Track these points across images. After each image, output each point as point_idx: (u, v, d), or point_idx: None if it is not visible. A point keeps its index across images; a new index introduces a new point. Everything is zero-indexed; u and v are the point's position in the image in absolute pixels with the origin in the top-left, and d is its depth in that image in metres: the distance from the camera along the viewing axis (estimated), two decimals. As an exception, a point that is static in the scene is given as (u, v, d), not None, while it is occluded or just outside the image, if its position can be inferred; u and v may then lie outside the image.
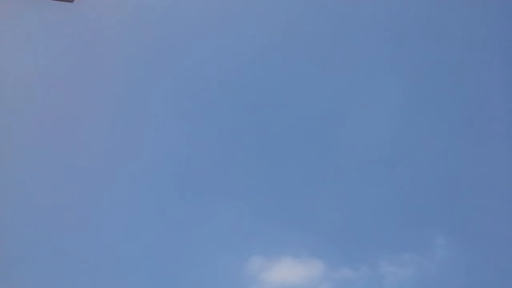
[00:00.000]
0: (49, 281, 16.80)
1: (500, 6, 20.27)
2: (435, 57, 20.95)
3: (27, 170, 17.87)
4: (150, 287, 17.84)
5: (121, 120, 19.77)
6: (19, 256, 16.47)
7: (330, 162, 19.68)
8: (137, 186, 19.46)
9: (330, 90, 20.63)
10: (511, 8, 20.10)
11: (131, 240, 18.65)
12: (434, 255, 18.58)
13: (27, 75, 18.80)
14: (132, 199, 19.26)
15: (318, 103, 20.27)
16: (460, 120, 20.40)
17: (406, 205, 19.14)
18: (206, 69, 20.24)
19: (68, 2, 13.31)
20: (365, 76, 20.72)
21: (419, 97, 20.74)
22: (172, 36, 20.22)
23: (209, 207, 18.95)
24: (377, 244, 18.58)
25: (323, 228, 18.73)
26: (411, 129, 20.07)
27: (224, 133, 20.03)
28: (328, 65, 20.87)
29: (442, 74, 20.80)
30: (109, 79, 20.06)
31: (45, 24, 18.76)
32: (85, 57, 19.39)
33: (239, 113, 20.28)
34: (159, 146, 20.00)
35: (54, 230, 17.72)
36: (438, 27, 20.94)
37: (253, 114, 20.28)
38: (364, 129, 20.03)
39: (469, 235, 18.82)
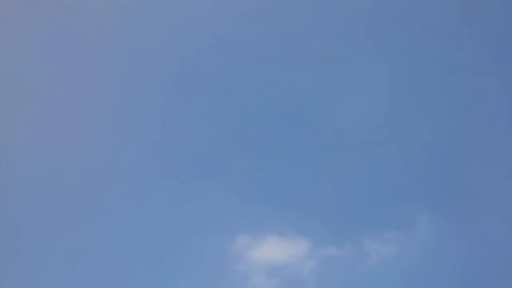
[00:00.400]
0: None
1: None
2: (424, 38, 21.14)
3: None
4: (137, 267, 18.09)
5: (105, 103, 19.92)
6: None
7: (315, 142, 19.92)
8: (124, 169, 19.61)
9: (317, 70, 20.81)
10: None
11: (118, 220, 18.85)
12: (417, 233, 18.78)
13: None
14: (119, 181, 19.42)
15: (305, 83, 20.47)
16: (447, 101, 20.57)
17: (390, 184, 19.39)
18: (190, 50, 20.40)
19: None
20: (353, 57, 20.89)
21: (406, 78, 20.90)
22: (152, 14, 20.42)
23: (194, 187, 19.17)
24: (361, 222, 18.85)
25: (308, 207, 18.97)
26: (396, 109, 20.31)
27: (209, 114, 20.16)
28: (316, 46, 21.03)
29: (430, 56, 21.00)
30: (95, 62, 20.21)
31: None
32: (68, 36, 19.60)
33: (224, 93, 20.46)
34: (144, 128, 20.15)
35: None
36: (428, 10, 21.11)
37: (239, 94, 20.47)
38: (350, 109, 20.20)
39: (453, 213, 19.03)
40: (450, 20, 20.98)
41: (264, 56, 20.56)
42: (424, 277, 17.95)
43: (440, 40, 20.57)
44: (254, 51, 20.56)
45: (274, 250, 18.22)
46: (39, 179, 18.61)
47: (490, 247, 18.20)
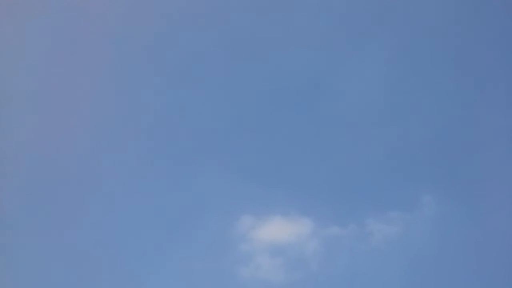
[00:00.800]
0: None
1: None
2: (426, 17, 21.06)
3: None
4: (143, 247, 18.30)
5: (111, 83, 20.10)
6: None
7: (318, 123, 20.01)
8: (130, 149, 19.80)
9: (320, 50, 20.80)
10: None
11: (124, 201, 19.07)
12: (421, 213, 18.83)
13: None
14: (125, 162, 19.62)
15: (307, 63, 20.50)
16: (450, 79, 20.53)
17: (394, 164, 19.43)
18: (194, 30, 20.48)
19: None
20: (354, 36, 20.88)
21: (409, 57, 20.89)
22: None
23: (198, 168, 19.36)
24: (365, 202, 18.93)
25: (312, 187, 19.11)
26: (399, 89, 20.35)
27: (213, 95, 20.35)
28: (320, 26, 21.02)
29: (432, 34, 20.94)
30: (100, 42, 20.34)
31: None
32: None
33: (227, 75, 20.57)
34: (150, 110, 20.33)
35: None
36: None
37: (242, 76, 20.57)
38: (353, 89, 20.24)
39: (456, 193, 19.06)
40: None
41: (265, 38, 20.63)
42: (428, 256, 17.99)
43: (441, 18, 20.52)
44: (254, 33, 20.63)
45: (278, 230, 18.36)
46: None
47: (494, 227, 18.17)
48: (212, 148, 19.63)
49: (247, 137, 19.90)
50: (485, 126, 19.42)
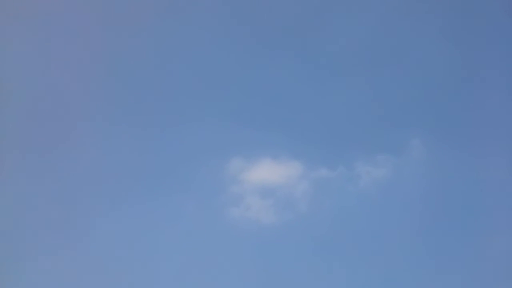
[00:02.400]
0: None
1: None
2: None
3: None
4: (136, 188, 18.52)
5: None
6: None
7: (308, 67, 20.02)
8: (122, 95, 19.89)
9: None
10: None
11: (118, 143, 19.16)
12: (410, 156, 19.07)
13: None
14: (118, 107, 19.71)
15: (298, 6, 20.35)
16: (441, 23, 20.47)
17: (383, 107, 19.58)
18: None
19: None
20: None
21: (400, 3, 20.79)
22: None
23: (189, 113, 19.47)
24: (354, 145, 19.16)
25: (302, 130, 19.34)
26: (389, 32, 20.32)
27: (204, 40, 20.24)
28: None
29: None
30: None
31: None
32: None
33: (220, 17, 20.44)
34: (141, 53, 20.29)
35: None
36: None
37: (233, 19, 20.44)
38: (344, 34, 20.20)
39: (445, 137, 19.28)
40: None
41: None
42: (416, 199, 18.29)
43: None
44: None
45: (268, 172, 18.60)
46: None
47: (481, 169, 18.46)
48: (202, 92, 19.77)
49: (238, 81, 20.01)
50: (475, 70, 19.52)
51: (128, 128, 19.34)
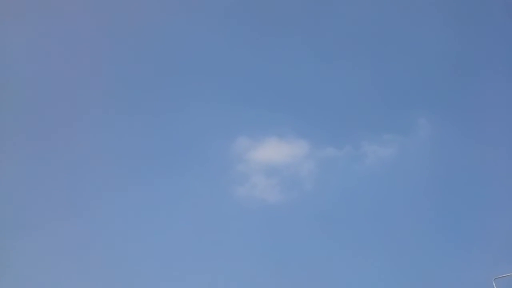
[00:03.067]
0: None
1: None
2: None
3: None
4: (142, 166, 18.68)
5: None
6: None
7: (316, 46, 19.98)
8: (132, 74, 19.96)
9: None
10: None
11: (126, 122, 19.34)
12: (416, 135, 19.02)
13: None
14: (127, 86, 19.79)
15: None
16: (452, 5, 20.33)
17: (390, 87, 19.55)
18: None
19: None
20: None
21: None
22: None
23: (196, 92, 19.48)
24: (360, 124, 19.12)
25: (308, 110, 19.31)
26: (397, 13, 20.17)
27: (210, 18, 20.22)
28: None
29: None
30: None
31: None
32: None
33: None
34: (148, 35, 20.36)
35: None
36: None
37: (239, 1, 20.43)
38: (352, 14, 20.08)
39: (451, 116, 19.21)
40: None
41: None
42: (421, 178, 18.21)
43: None
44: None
45: (273, 151, 18.58)
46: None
47: (487, 148, 18.29)
48: (209, 71, 19.74)
49: (244, 60, 19.97)
50: (481, 51, 19.39)
51: (139, 109, 19.43)
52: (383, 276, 16.24)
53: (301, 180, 18.34)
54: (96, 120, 19.12)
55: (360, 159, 18.65)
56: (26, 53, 19.38)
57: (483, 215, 16.78)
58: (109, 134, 19.10)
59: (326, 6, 20.34)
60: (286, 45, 19.89)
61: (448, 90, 19.37)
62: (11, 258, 15.70)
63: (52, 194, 17.61)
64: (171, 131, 19.32)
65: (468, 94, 19.17)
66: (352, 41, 19.89)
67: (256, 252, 16.89)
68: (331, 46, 19.90)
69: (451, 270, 15.60)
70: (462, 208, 17.33)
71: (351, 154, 18.65)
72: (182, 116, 19.38)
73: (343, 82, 19.62)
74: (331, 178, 18.51)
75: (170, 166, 18.73)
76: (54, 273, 15.73)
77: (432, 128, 18.96)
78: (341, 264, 16.62)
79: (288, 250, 16.96)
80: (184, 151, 19.01)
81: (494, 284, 13.17)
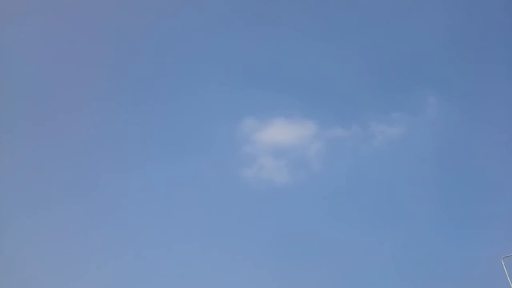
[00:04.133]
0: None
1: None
2: None
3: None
4: (150, 148, 18.68)
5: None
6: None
7: (324, 24, 19.73)
8: (139, 60, 19.87)
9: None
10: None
11: (143, 109, 19.28)
12: (425, 114, 18.82)
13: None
14: (135, 72, 19.74)
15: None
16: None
17: (398, 65, 19.34)
18: None
19: None
20: None
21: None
22: None
23: (203, 73, 19.35)
24: (368, 104, 18.92)
25: (315, 90, 19.11)
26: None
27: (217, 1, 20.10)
28: None
29: None
30: None
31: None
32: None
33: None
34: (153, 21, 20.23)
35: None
36: None
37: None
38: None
39: (460, 95, 18.98)
40: None
41: None
42: (430, 157, 18.08)
43: None
44: None
45: (281, 132, 18.46)
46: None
47: (495, 127, 18.15)
48: (215, 52, 19.61)
49: (250, 41, 19.75)
50: (492, 28, 19.08)
51: (147, 92, 19.38)
52: (392, 256, 16.22)
53: (308, 161, 18.29)
54: (103, 106, 19.05)
55: (368, 139, 18.55)
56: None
57: (491, 195, 16.66)
58: (116, 118, 19.04)
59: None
60: (292, 25, 19.69)
61: (457, 68, 19.16)
62: (10, 241, 15.83)
63: (60, 174, 17.70)
64: (177, 113, 19.28)
65: (477, 72, 18.94)
66: (359, 20, 19.71)
67: (264, 234, 16.87)
68: (337, 26, 19.71)
69: (459, 250, 15.55)
70: (470, 187, 17.22)
71: (359, 134, 18.55)
72: (188, 99, 19.31)
73: (350, 61, 19.43)
74: (339, 159, 18.41)
75: (176, 148, 18.74)
76: (55, 256, 15.79)
77: (441, 107, 18.77)
78: (350, 244, 16.53)
79: (296, 231, 16.91)
80: (191, 133, 18.97)
81: (503, 263, 13.06)
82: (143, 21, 19.75)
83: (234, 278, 15.79)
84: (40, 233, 15.97)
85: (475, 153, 17.93)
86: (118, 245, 16.33)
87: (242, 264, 16.17)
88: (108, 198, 17.21)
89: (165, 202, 17.58)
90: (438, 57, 19.40)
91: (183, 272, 15.99)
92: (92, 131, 18.56)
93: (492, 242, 14.96)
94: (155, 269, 15.93)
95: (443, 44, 19.38)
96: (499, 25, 19.07)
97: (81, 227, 16.53)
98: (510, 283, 12.76)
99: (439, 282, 14.86)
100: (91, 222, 16.71)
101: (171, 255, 16.35)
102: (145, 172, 18.11)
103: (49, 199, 16.79)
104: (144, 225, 16.87)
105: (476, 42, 19.21)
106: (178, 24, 20.22)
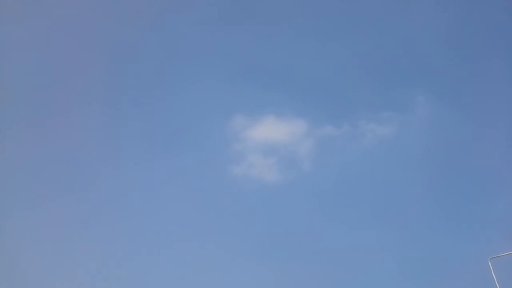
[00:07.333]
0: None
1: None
2: None
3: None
4: (140, 144, 18.62)
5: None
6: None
7: (314, 23, 19.71)
8: (130, 60, 19.82)
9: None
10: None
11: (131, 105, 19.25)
12: (414, 113, 18.87)
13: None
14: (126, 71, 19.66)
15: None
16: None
17: (388, 65, 19.34)
18: None
19: None
20: None
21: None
22: None
23: (192, 69, 19.37)
24: (358, 102, 18.97)
25: (306, 88, 19.12)
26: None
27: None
28: None
29: None
30: None
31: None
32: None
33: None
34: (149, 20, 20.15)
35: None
36: None
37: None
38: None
39: (449, 94, 19.03)
40: None
41: None
42: (420, 156, 18.12)
43: None
44: None
45: (271, 130, 18.42)
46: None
47: (485, 126, 18.22)
48: (205, 49, 19.54)
49: (241, 38, 19.79)
50: (482, 28, 19.09)
51: (136, 88, 19.36)
52: (381, 255, 16.20)
53: (299, 159, 18.29)
54: (93, 105, 19.00)
55: (359, 137, 18.58)
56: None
57: (480, 195, 16.74)
58: (106, 116, 19.04)
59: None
60: (283, 23, 19.69)
61: (447, 68, 19.19)
62: (6, 239, 15.77)
63: (51, 171, 17.66)
64: (167, 111, 19.22)
65: (467, 71, 19.00)
66: (349, 18, 19.70)
67: (254, 232, 16.90)
68: (329, 24, 19.69)
69: (446, 250, 15.56)
70: (459, 187, 17.27)
71: (350, 133, 18.57)
72: (178, 95, 19.27)
73: (341, 60, 19.45)
74: (330, 157, 18.43)
75: (165, 145, 18.72)
76: (51, 254, 15.74)
77: (431, 106, 18.85)
78: (340, 243, 16.56)
79: (286, 229, 16.92)
80: (180, 130, 18.97)
81: (490, 264, 13.08)
82: (134, 19, 19.76)
83: (223, 275, 15.78)
84: (35, 231, 15.96)
85: (465, 152, 18.01)
86: (106, 243, 16.32)
87: (231, 262, 16.17)
88: (98, 196, 17.18)
89: (154, 200, 17.53)
90: (428, 56, 19.46)
91: (171, 268, 16.00)
92: (83, 129, 18.60)
93: (480, 243, 15.04)
94: (144, 265, 15.93)
95: (434, 44, 19.44)
96: (489, 24, 19.15)
97: (70, 225, 16.50)
98: (497, 284, 12.79)
99: (425, 282, 14.90)
100: (82, 219, 16.66)
101: (160, 252, 16.34)
102: (135, 169, 18.12)
103: (43, 196, 16.77)
104: (133, 222, 16.83)
105: (466, 41, 19.28)
106: (169, 22, 20.19)
